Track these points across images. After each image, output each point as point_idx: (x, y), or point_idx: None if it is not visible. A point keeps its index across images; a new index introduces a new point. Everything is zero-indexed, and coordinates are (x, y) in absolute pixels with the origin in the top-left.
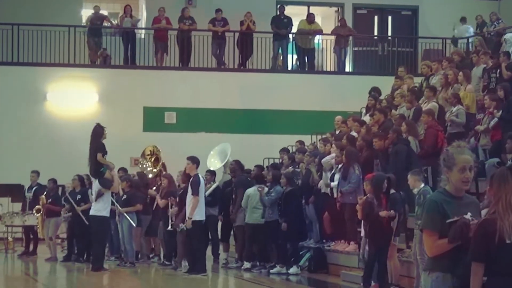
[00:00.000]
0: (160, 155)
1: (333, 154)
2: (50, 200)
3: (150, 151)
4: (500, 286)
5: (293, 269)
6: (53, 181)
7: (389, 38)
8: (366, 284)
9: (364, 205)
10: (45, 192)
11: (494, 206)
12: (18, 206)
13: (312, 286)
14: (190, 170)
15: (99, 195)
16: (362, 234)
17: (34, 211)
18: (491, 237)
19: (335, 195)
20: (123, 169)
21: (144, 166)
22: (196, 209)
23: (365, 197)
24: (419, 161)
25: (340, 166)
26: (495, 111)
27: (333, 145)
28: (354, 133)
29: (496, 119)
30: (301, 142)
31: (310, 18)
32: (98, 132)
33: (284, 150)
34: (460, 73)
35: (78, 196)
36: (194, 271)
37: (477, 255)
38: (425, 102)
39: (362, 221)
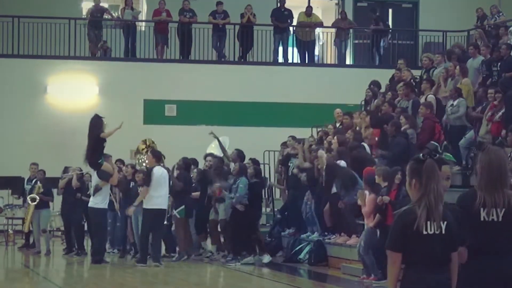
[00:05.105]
0: (155, 147)
1: None
2: (41, 191)
3: (145, 145)
4: (416, 275)
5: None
6: (43, 172)
7: (390, 31)
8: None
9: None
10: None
11: (422, 197)
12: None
13: (312, 279)
14: (150, 163)
15: (97, 189)
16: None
17: (29, 200)
18: (408, 228)
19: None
20: (120, 160)
21: (141, 161)
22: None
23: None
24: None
25: None
26: (498, 112)
27: (334, 140)
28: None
29: (500, 113)
30: (294, 137)
31: (308, 11)
32: (97, 123)
33: (285, 144)
34: (457, 66)
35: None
36: (141, 261)
37: (394, 245)
38: (421, 95)
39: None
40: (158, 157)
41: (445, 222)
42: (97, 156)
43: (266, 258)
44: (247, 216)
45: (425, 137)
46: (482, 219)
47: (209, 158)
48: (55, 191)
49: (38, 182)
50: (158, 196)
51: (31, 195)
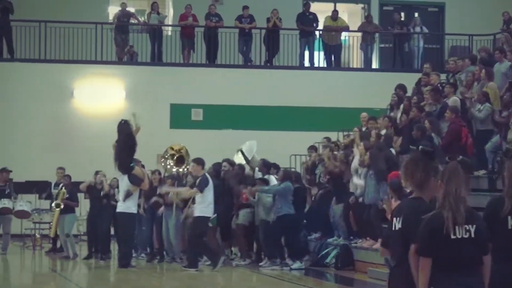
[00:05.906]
0: (186, 156)
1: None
2: (67, 196)
3: (178, 149)
4: (446, 279)
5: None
6: (68, 177)
7: (416, 34)
8: None
9: None
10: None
11: (444, 200)
12: (45, 203)
13: (339, 283)
14: (196, 171)
15: (128, 194)
16: None
17: (53, 206)
18: (437, 232)
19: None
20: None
21: (169, 166)
22: (201, 206)
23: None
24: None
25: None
26: None
27: (360, 146)
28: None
29: None
30: (328, 139)
31: (334, 15)
32: (125, 129)
33: (312, 148)
34: (483, 70)
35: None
36: (191, 265)
37: (424, 250)
38: (446, 99)
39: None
40: (203, 165)
41: (474, 226)
42: (129, 160)
43: (297, 264)
44: (292, 221)
45: (448, 141)
46: (510, 227)
47: (224, 163)
48: (81, 195)
49: (63, 187)
50: (210, 204)
51: (56, 202)
